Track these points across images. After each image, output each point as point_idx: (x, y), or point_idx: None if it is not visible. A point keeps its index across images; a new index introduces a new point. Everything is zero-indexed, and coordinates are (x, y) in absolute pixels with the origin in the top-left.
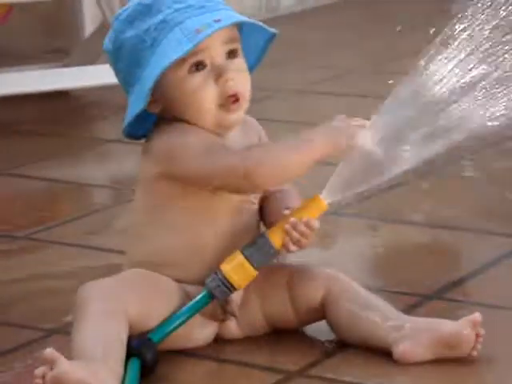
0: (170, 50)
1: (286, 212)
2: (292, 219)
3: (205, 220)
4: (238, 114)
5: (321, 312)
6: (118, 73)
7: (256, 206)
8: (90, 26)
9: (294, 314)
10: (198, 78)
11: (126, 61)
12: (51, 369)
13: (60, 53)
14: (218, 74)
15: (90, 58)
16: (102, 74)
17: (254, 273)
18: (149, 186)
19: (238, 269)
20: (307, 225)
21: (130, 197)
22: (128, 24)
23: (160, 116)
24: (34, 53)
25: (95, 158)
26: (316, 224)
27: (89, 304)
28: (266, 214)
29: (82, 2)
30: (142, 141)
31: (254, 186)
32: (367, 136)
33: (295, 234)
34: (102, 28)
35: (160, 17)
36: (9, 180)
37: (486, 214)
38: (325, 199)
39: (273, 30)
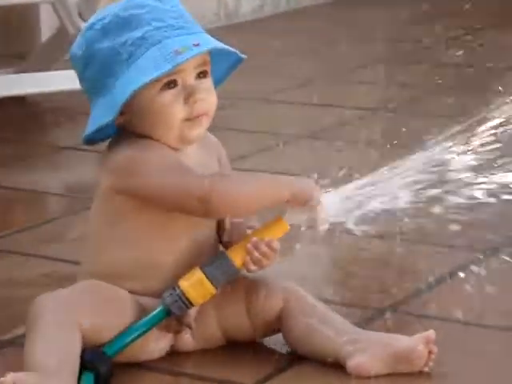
0: (147, 68)
1: (248, 231)
2: (254, 239)
3: (161, 235)
4: (200, 130)
5: (277, 325)
6: (84, 80)
7: (213, 222)
8: (46, 31)
9: (251, 327)
10: (169, 95)
11: (97, 70)
12: None
13: (16, 58)
14: (188, 94)
15: (46, 64)
16: (58, 80)
17: (212, 290)
18: (106, 198)
19: (196, 285)
20: (268, 245)
21: (84, 205)
22: (103, 34)
23: (121, 127)
24: None
25: (50, 165)
26: (277, 245)
27: (42, 316)
28: (222, 230)
29: (39, 8)
30: (99, 148)
31: (207, 212)
32: (324, 210)
33: (256, 254)
34: (59, 34)
35: (138, 33)
36: None
37: (442, 225)
38: (288, 221)
39: (243, 55)
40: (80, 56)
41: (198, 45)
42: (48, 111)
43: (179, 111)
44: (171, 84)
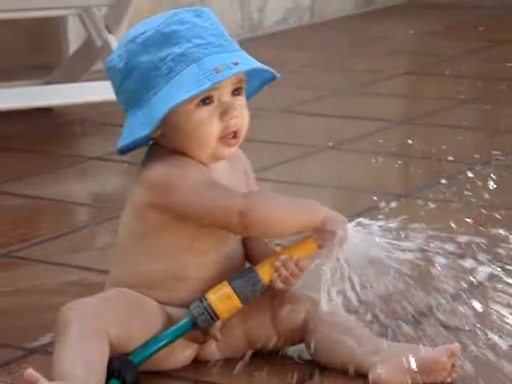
0: (187, 85)
1: (277, 248)
2: (283, 257)
3: (190, 249)
4: (234, 148)
5: (301, 335)
6: (121, 92)
7: (240, 236)
8: (74, 43)
9: (276, 336)
10: (205, 112)
11: (136, 83)
12: None
13: (44, 69)
14: (224, 111)
15: (73, 75)
16: (85, 92)
17: (239, 305)
18: (138, 212)
19: (224, 299)
20: (297, 264)
21: (110, 215)
22: (144, 48)
23: (154, 140)
24: (18, 69)
25: (77, 176)
26: (305, 264)
27: (70, 324)
28: (250, 245)
29: (67, 19)
30: (125, 159)
31: (246, 228)
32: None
33: (284, 272)
34: (86, 46)
35: (179, 49)
36: None
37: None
38: (316, 240)
39: (278, 74)
40: (120, 68)
41: (237, 64)
42: (75, 122)
43: (215, 128)
44: (207, 100)
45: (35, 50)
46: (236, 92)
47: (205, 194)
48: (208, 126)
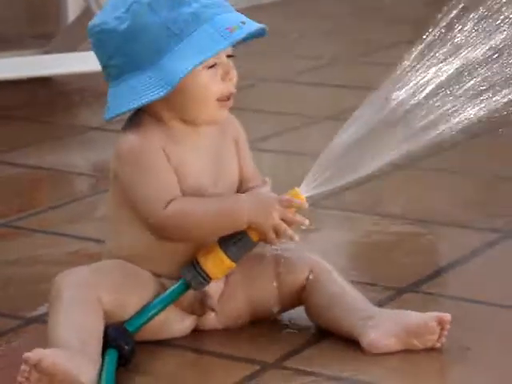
0: (204, 45)
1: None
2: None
3: None
4: (226, 110)
5: (302, 296)
6: (119, 55)
7: None
8: (72, 12)
9: (278, 299)
10: (210, 73)
11: (142, 45)
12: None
13: (43, 39)
14: (226, 72)
15: (72, 45)
16: (84, 61)
17: (231, 264)
18: (113, 181)
19: (214, 260)
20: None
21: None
22: (150, 9)
23: (141, 107)
24: (17, 38)
25: (77, 146)
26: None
27: (63, 292)
28: None
29: None
30: None
31: (159, 236)
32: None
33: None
34: (85, 14)
35: (189, 9)
36: None
37: (462, 207)
38: (303, 192)
39: (265, 28)
40: (122, 30)
41: (244, 23)
42: (74, 92)
43: (217, 88)
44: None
45: (34, 19)
46: (229, 55)
47: (139, 180)
48: (212, 86)
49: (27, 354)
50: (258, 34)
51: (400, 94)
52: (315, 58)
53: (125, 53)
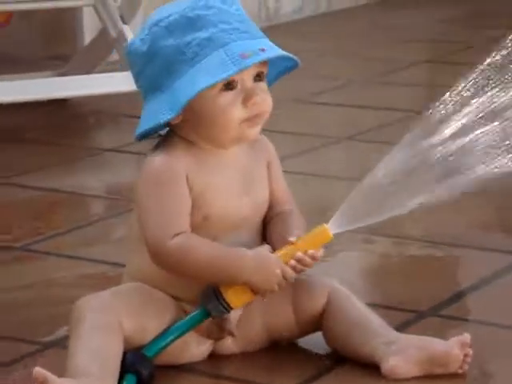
0: (214, 70)
1: (291, 239)
2: (299, 254)
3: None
4: (257, 128)
5: (320, 322)
6: (143, 76)
7: (258, 225)
8: (89, 34)
9: (296, 324)
10: (228, 97)
11: (159, 67)
12: None
13: (59, 60)
14: (247, 97)
15: (88, 66)
16: (100, 83)
17: (252, 295)
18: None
19: (236, 290)
20: (312, 257)
21: (126, 207)
22: (168, 32)
23: (171, 127)
24: (33, 60)
25: (92, 168)
26: (321, 254)
27: (84, 318)
28: (269, 234)
29: (82, 10)
30: (141, 150)
31: (157, 264)
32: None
33: (299, 267)
34: (101, 36)
35: (205, 33)
36: (5, 189)
37: (484, 229)
38: (331, 230)
39: (299, 62)
40: (143, 52)
41: (263, 50)
42: (90, 114)
43: (237, 113)
44: (230, 85)
45: (50, 41)
46: (258, 78)
47: (155, 204)
48: (231, 111)
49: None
50: (292, 67)
51: (435, 137)
52: (332, 78)
53: (146, 74)
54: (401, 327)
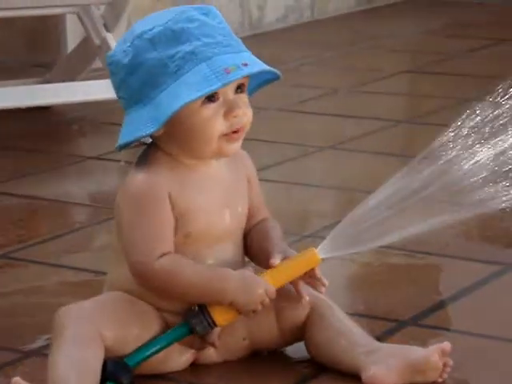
0: (197, 84)
1: (273, 261)
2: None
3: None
4: (237, 144)
5: (302, 332)
6: (124, 87)
7: (240, 238)
8: (72, 41)
9: (279, 333)
10: (210, 110)
11: (142, 80)
12: None
13: (42, 68)
14: (229, 109)
15: (71, 74)
16: (84, 90)
17: (237, 314)
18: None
19: (221, 308)
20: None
21: (108, 215)
22: (151, 45)
23: (154, 140)
24: (16, 67)
25: (75, 175)
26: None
27: (65, 329)
28: (249, 244)
29: (65, 18)
30: (122, 158)
31: (141, 283)
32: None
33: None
34: (84, 44)
35: (188, 47)
36: None
37: (465, 239)
38: (320, 254)
39: (280, 75)
40: (125, 64)
41: (246, 65)
42: (73, 121)
43: (219, 126)
44: (212, 97)
45: (33, 48)
46: (239, 90)
47: (138, 225)
48: (213, 123)
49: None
50: (273, 79)
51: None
52: (315, 87)
53: (128, 86)
54: (382, 337)
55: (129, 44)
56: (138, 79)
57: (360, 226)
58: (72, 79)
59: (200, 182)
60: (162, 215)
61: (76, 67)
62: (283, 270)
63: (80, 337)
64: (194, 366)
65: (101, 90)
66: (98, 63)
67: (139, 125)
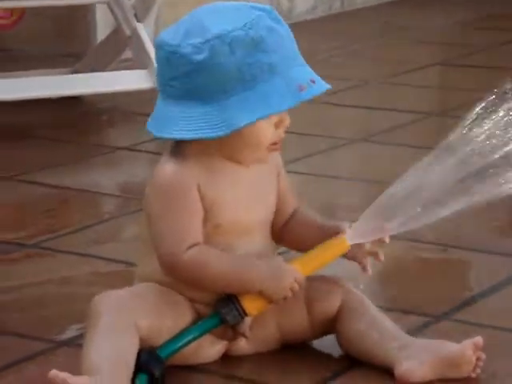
0: (273, 98)
1: (347, 227)
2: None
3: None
4: (277, 152)
5: (334, 324)
6: (183, 80)
7: (268, 229)
8: (102, 31)
9: (309, 326)
10: (266, 120)
11: (211, 80)
12: None
13: (72, 58)
14: (281, 120)
15: (101, 64)
16: (113, 81)
17: (267, 304)
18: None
19: (252, 297)
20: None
21: (138, 206)
22: (230, 49)
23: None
24: (46, 57)
25: (104, 166)
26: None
27: (101, 317)
28: (291, 232)
29: (95, 8)
30: (153, 149)
31: (169, 274)
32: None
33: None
34: (115, 34)
35: (266, 58)
36: (18, 186)
37: (498, 234)
38: (349, 240)
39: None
40: (196, 60)
41: (314, 82)
42: (102, 112)
43: (271, 135)
44: None
45: (63, 38)
46: None
47: (166, 217)
48: (266, 133)
49: (53, 375)
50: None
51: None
52: (345, 78)
53: (191, 80)
54: (413, 331)
55: (202, 41)
56: (207, 78)
57: (387, 212)
58: (102, 69)
59: (229, 173)
60: (191, 206)
61: (106, 57)
62: (312, 257)
63: (116, 326)
64: (226, 358)
65: (131, 80)
66: (128, 53)
67: (201, 125)
